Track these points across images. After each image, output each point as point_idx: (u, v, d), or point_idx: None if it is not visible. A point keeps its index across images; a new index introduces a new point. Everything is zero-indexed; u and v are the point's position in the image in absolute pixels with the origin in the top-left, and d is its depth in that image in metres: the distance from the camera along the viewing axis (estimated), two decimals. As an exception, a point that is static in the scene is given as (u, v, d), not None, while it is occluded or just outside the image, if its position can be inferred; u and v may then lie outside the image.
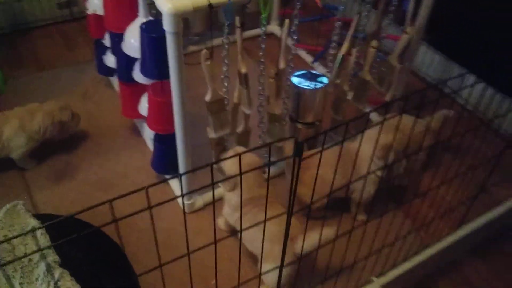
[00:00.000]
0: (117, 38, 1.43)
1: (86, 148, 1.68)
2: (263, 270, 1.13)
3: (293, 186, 0.69)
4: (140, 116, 1.61)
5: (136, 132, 1.75)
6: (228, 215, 1.34)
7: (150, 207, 0.61)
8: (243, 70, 1.18)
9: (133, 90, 1.56)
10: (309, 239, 1.03)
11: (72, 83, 1.96)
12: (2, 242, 0.49)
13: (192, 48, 2.02)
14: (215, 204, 1.41)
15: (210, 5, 1.04)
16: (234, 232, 1.36)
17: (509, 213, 1.42)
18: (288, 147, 1.36)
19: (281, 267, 0.88)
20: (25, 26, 2.22)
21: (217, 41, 2.14)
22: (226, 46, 1.16)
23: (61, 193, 1.52)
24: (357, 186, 1.31)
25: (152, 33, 1.17)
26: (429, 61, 2.03)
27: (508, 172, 1.46)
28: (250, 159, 1.23)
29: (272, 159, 1.49)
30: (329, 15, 2.08)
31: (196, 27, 2.04)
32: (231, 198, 1.27)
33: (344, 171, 0.96)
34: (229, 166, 1.24)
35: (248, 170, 0.70)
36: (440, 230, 1.30)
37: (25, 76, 1.98)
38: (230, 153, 1.31)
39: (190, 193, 1.46)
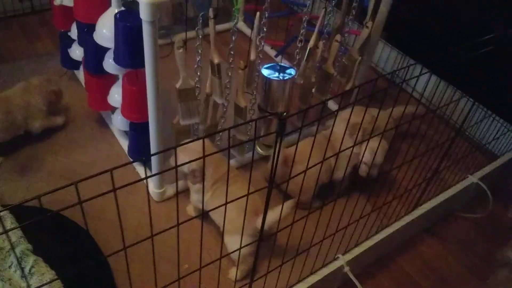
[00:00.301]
0: (87, 29, 1.44)
1: (52, 141, 1.66)
2: (227, 241, 1.21)
3: (275, 163, 0.75)
4: (107, 108, 1.62)
5: (102, 123, 1.75)
6: (196, 202, 1.38)
7: (114, 189, 0.64)
8: (216, 61, 1.23)
9: (101, 81, 1.57)
10: (272, 213, 1.08)
11: (34, 75, 1.91)
12: None
13: (160, 41, 2.04)
14: (184, 193, 1.46)
15: (186, -4, 1.08)
16: (205, 216, 1.41)
17: (458, 195, 1.55)
18: None
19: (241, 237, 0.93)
20: (-17, 19, 2.17)
21: (182, 35, 2.17)
22: (200, 36, 1.21)
23: (27, 185, 1.51)
24: (339, 166, 1.37)
25: (127, 22, 1.20)
26: (386, 57, 2.16)
27: (456, 158, 1.59)
28: (200, 146, 1.27)
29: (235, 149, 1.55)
30: (295, 11, 2.16)
31: (162, 20, 2.06)
32: (194, 185, 1.33)
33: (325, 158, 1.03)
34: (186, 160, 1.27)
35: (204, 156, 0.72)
36: (397, 212, 1.40)
37: (-16, 69, 1.93)
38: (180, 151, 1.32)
39: (153, 175, 1.48)
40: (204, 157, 0.70)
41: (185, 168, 1.27)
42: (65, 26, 1.69)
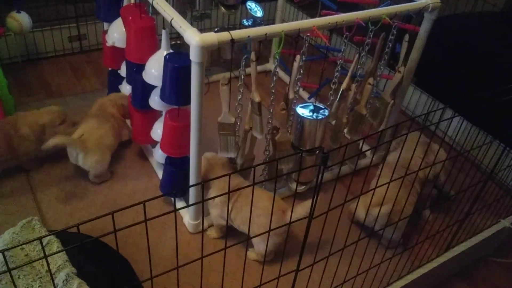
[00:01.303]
0: (136, 68, 1.55)
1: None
2: (255, 240, 1.42)
3: (317, 193, 0.81)
4: (150, 141, 1.71)
5: (143, 157, 1.84)
6: (216, 218, 1.48)
7: (146, 220, 0.69)
8: (257, 99, 1.31)
9: (145, 117, 1.67)
10: (301, 208, 1.31)
11: (81, 110, 2.04)
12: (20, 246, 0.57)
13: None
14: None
15: (232, 40, 1.17)
16: (230, 231, 1.51)
17: (490, 239, 1.55)
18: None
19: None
20: (35, 57, 2.34)
21: (217, 77, 2.29)
22: (243, 77, 1.30)
23: (70, 212, 1.59)
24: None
25: (176, 63, 1.30)
26: (416, 101, 2.21)
27: (488, 202, 1.60)
28: (214, 160, 1.47)
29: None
30: (327, 56, 2.25)
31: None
32: (212, 201, 1.44)
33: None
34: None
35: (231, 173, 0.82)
36: (429, 254, 1.42)
37: (34, 102, 2.06)
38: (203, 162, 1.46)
39: (181, 208, 1.57)
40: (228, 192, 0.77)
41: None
42: (113, 65, 1.82)
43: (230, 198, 1.40)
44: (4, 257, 0.58)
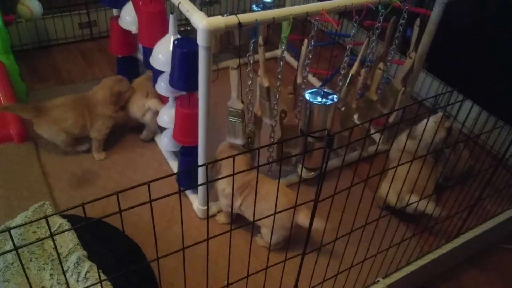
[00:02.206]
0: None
1: (106, 158, 1.78)
2: (263, 231, 1.43)
3: (323, 176, 0.80)
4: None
5: (153, 143, 1.86)
6: (226, 206, 1.48)
7: (151, 201, 0.70)
8: (266, 84, 1.31)
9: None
10: (319, 222, 1.19)
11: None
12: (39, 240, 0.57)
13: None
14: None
15: (240, 24, 1.17)
16: (234, 220, 1.53)
17: (500, 225, 1.53)
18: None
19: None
20: (46, 44, 2.35)
21: (226, 63, 2.29)
22: (251, 62, 1.29)
23: (82, 197, 1.61)
24: None
25: (184, 49, 1.30)
26: (427, 86, 2.19)
27: (499, 188, 1.58)
28: (224, 145, 1.47)
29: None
30: (337, 42, 2.24)
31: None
32: (224, 188, 1.43)
33: None
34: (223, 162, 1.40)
35: (236, 154, 0.81)
36: (438, 240, 1.41)
37: (46, 89, 2.09)
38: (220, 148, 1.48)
39: (186, 189, 1.59)
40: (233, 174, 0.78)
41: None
42: (121, 51, 1.84)
43: (241, 192, 1.39)
44: (11, 235, 0.59)
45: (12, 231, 1.33)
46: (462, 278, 1.51)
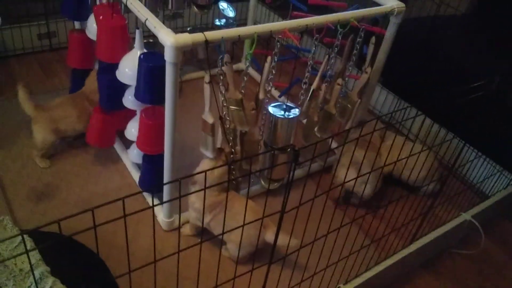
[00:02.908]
0: (103, 68, 1.57)
1: (66, 170, 1.75)
2: (230, 246, 1.45)
3: (289, 188, 0.85)
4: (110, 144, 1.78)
5: (115, 155, 1.85)
6: (195, 219, 1.50)
7: (125, 216, 0.71)
8: (239, 97, 1.35)
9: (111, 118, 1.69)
10: (283, 239, 1.26)
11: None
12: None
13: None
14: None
15: (206, 41, 1.20)
16: (203, 233, 1.53)
17: (452, 231, 1.63)
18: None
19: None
20: (3, 54, 2.29)
21: (189, 76, 2.31)
22: (222, 77, 1.32)
23: (42, 211, 1.58)
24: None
25: (150, 63, 1.32)
26: (383, 100, 2.30)
27: (449, 196, 1.69)
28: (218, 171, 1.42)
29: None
30: (298, 56, 2.31)
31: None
32: (194, 202, 1.45)
33: None
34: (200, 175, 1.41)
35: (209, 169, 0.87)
36: (394, 246, 1.49)
37: (3, 101, 2.03)
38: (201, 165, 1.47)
39: (159, 204, 1.59)
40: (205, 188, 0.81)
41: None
42: (78, 64, 1.86)
43: (212, 210, 1.41)
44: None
45: (-28, 247, 1.29)
46: (418, 282, 1.59)
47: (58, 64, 2.34)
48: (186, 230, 1.56)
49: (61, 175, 1.73)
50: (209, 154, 1.43)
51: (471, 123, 1.69)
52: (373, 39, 1.59)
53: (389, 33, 1.67)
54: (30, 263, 0.63)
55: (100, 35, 1.53)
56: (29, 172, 1.71)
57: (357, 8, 1.60)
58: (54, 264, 1.30)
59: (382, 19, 1.62)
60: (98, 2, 1.61)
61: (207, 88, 1.32)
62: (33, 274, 0.79)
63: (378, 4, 1.63)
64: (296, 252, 1.08)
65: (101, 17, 1.51)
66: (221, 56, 1.26)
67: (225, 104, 1.39)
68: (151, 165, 1.55)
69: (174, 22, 2.36)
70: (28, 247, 1.34)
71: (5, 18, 2.15)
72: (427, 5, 2.36)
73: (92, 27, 1.65)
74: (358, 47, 1.63)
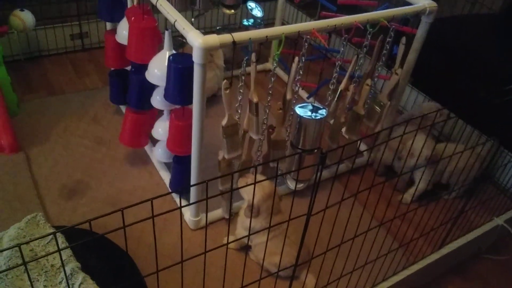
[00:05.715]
0: (134, 69, 1.59)
1: (97, 168, 1.79)
2: (270, 264, 1.37)
3: (315, 191, 0.84)
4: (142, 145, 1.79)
5: (144, 155, 1.87)
6: (241, 234, 1.45)
7: (153, 216, 0.72)
8: (255, 100, 1.34)
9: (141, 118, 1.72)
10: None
11: (82, 107, 2.08)
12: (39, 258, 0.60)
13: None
14: (222, 221, 1.56)
15: (234, 42, 1.21)
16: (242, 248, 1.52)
17: (483, 236, 1.59)
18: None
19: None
20: (37, 54, 2.36)
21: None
22: (243, 78, 1.33)
23: (73, 208, 1.62)
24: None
25: (179, 64, 1.33)
26: (413, 101, 2.25)
27: (482, 200, 1.64)
28: (269, 188, 1.33)
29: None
30: (326, 56, 2.30)
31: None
32: (244, 221, 1.41)
33: None
34: (250, 194, 1.31)
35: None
36: (423, 251, 1.46)
37: (37, 100, 2.09)
38: (249, 180, 1.35)
39: (186, 205, 1.57)
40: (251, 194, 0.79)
41: (245, 195, 1.37)
42: (116, 64, 1.85)
43: (265, 233, 1.27)
44: (21, 250, 0.61)
45: (5, 243, 1.34)
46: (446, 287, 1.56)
47: (90, 64, 2.39)
48: (233, 244, 1.53)
49: (90, 172, 1.76)
50: (253, 134, 1.43)
51: (505, 125, 1.63)
52: (403, 39, 1.56)
53: (420, 32, 1.63)
54: (61, 260, 0.64)
55: (131, 36, 1.55)
56: (60, 170, 1.76)
57: (387, 7, 1.57)
58: (84, 260, 1.33)
59: (412, 19, 1.59)
60: (129, 4, 1.64)
61: (226, 95, 1.30)
62: (64, 271, 0.81)
63: (408, 3, 1.60)
64: (323, 255, 1.07)
65: (132, 18, 1.53)
66: (246, 57, 1.26)
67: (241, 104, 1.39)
68: (182, 166, 1.56)
69: (202, 20, 2.37)
70: (60, 243, 1.38)
71: (40, 19, 2.22)
72: (460, 3, 2.30)
73: (121, 32, 1.68)
74: (388, 47, 1.60)
